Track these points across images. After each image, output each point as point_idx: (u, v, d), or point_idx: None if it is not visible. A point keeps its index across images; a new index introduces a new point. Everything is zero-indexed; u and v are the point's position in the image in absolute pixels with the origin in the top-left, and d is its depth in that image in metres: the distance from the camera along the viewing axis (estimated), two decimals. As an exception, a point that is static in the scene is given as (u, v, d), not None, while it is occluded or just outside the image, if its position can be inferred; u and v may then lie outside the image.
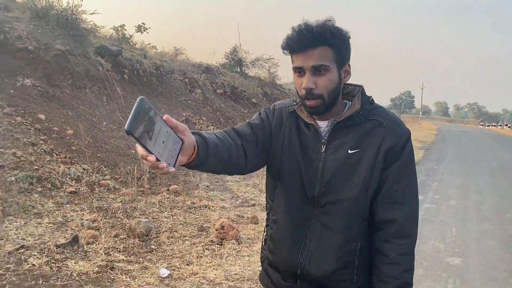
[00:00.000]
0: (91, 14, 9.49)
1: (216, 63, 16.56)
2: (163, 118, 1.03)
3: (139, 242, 4.42)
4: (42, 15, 8.77)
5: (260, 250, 1.68)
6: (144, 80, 10.69)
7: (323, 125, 1.47)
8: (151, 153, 0.98)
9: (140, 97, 0.98)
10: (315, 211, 1.44)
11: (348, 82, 1.49)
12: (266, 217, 1.62)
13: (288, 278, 1.50)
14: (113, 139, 7.58)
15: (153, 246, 4.41)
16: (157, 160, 0.99)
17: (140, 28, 12.84)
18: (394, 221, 1.41)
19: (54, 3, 8.98)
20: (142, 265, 3.97)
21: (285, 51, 1.42)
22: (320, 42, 1.34)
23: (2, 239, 3.96)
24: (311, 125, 1.46)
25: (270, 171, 1.53)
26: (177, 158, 1.08)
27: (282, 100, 1.62)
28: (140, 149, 0.99)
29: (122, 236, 4.50)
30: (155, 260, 4.10)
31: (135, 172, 6.55)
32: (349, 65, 1.45)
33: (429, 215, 6.50)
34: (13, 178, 5.08)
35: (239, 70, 17.19)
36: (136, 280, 3.66)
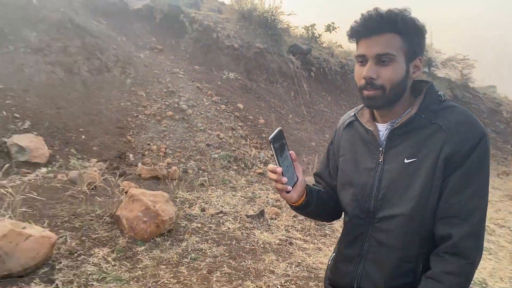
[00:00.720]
0: (288, 15, 10.34)
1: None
2: (289, 152, 1.33)
3: (315, 225, 4.83)
4: (247, 16, 9.94)
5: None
6: (329, 78, 11.15)
7: (383, 128, 1.33)
8: (279, 166, 1.27)
9: (279, 127, 1.31)
10: (370, 226, 1.33)
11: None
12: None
13: None
14: (297, 131, 8.22)
15: (327, 231, 4.78)
16: (282, 175, 1.28)
17: (329, 28, 13.33)
18: (449, 237, 1.20)
19: (258, 5, 10.09)
20: (316, 246, 4.37)
21: (351, 39, 1.30)
22: (389, 28, 1.21)
23: (207, 203, 4.83)
24: (370, 131, 1.34)
25: None
26: (292, 186, 1.33)
27: (347, 112, 1.53)
28: (270, 166, 1.29)
29: (300, 218, 4.98)
30: (329, 244, 4.45)
31: (315, 162, 7.03)
32: (420, 60, 1.29)
33: None
34: (216, 156, 6.06)
35: (427, 70, 16.33)
36: (311, 257, 4.06)
